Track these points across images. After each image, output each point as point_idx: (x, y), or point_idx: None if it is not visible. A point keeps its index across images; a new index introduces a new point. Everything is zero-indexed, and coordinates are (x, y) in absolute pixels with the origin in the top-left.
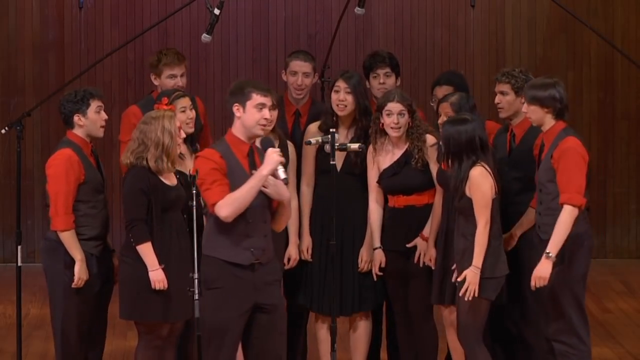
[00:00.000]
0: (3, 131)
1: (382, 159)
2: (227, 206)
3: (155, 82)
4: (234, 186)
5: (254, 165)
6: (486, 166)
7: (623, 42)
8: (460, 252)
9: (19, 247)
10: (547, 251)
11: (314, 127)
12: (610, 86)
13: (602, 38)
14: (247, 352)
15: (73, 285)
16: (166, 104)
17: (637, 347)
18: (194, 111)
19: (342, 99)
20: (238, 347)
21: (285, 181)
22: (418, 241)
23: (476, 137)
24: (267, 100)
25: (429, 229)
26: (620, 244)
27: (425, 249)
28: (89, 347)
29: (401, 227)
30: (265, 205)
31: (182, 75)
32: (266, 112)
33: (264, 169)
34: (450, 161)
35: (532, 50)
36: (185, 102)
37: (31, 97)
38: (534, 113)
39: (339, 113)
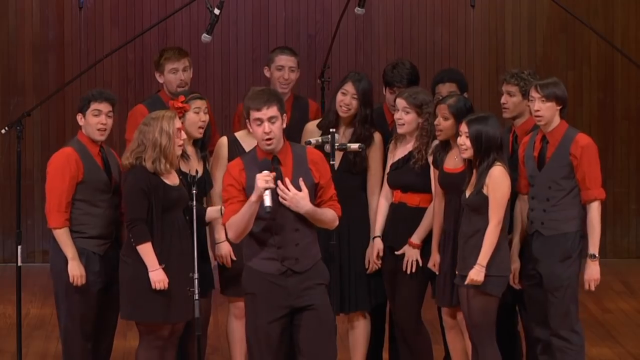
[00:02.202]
0: (3, 131)
1: (397, 153)
2: (229, 230)
3: (160, 80)
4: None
5: (280, 174)
6: (505, 166)
7: (623, 42)
8: (470, 249)
9: (19, 247)
10: (592, 253)
11: (312, 125)
12: (610, 86)
13: (602, 38)
14: (299, 355)
15: (71, 283)
16: (182, 102)
17: (637, 347)
18: (207, 115)
19: (347, 102)
20: (282, 353)
21: (267, 209)
22: (406, 248)
23: (501, 134)
24: (262, 114)
25: (418, 236)
26: (620, 244)
27: (413, 257)
28: (95, 346)
29: (393, 223)
30: (293, 215)
31: (184, 70)
32: (265, 126)
33: (253, 196)
34: (479, 158)
35: (532, 50)
36: (200, 103)
37: (31, 97)
38: (549, 110)
39: (342, 115)
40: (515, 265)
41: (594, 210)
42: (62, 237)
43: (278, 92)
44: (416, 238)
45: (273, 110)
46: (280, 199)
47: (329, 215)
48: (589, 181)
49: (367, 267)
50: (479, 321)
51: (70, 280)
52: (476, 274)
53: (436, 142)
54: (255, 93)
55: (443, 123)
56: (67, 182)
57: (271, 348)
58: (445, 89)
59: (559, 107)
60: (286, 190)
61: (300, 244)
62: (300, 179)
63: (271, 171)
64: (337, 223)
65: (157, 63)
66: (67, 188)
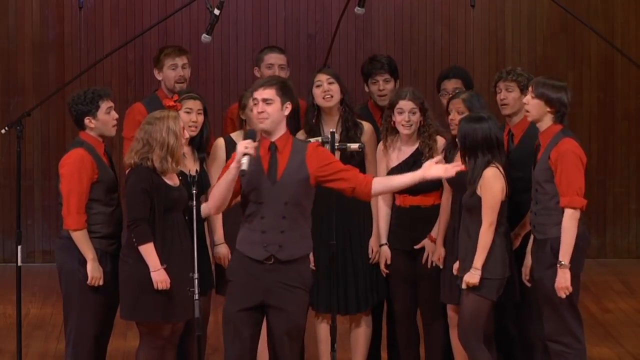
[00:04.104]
0: (3, 131)
1: (391, 156)
2: (210, 200)
3: (159, 77)
4: (249, 180)
5: (275, 160)
6: (500, 167)
7: (623, 42)
8: (463, 248)
9: (19, 247)
10: (560, 260)
11: (300, 135)
12: (610, 86)
13: (602, 38)
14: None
15: (89, 284)
16: (174, 101)
17: (637, 347)
18: (202, 116)
19: (326, 89)
20: (251, 343)
21: (242, 173)
22: (426, 242)
23: (492, 135)
24: (258, 95)
25: (437, 230)
26: (620, 244)
27: (433, 250)
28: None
29: (407, 226)
30: (285, 202)
31: (184, 67)
32: (259, 106)
33: (233, 162)
34: (466, 158)
35: (532, 49)
36: (193, 104)
37: (31, 97)
38: (535, 107)
39: (326, 104)
40: (527, 261)
41: (566, 218)
42: (82, 238)
43: (285, 81)
44: (436, 232)
45: (269, 93)
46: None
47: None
48: (561, 188)
49: (371, 258)
50: (467, 322)
51: (89, 281)
52: (471, 277)
53: (440, 138)
54: (264, 78)
55: (457, 117)
56: (85, 184)
57: (240, 338)
58: (451, 84)
59: (549, 109)
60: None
61: (286, 232)
62: (244, 159)
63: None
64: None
65: (157, 59)
66: (85, 189)
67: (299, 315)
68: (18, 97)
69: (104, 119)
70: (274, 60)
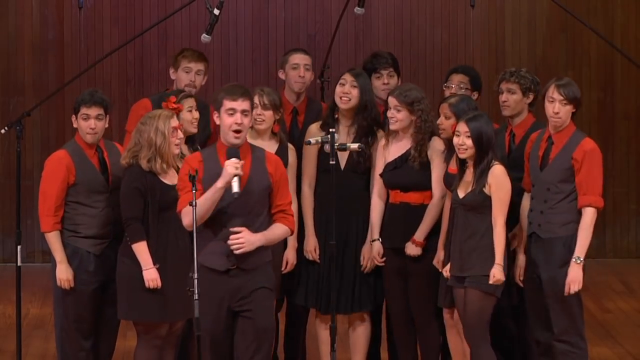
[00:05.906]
0: (3, 131)
1: (390, 152)
2: (185, 216)
3: (173, 76)
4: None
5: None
6: (503, 164)
7: (623, 42)
8: (469, 250)
9: (19, 247)
10: (577, 256)
11: (315, 127)
12: (610, 86)
13: (602, 38)
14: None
15: (58, 285)
16: (174, 102)
17: (637, 347)
18: (197, 112)
19: (346, 91)
20: (225, 353)
21: (236, 195)
22: (408, 244)
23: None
24: (237, 105)
25: (421, 233)
26: (620, 244)
27: (414, 254)
28: (96, 345)
29: (396, 224)
30: (248, 212)
31: (197, 73)
32: (237, 117)
33: (219, 182)
34: (479, 157)
35: (531, 50)
36: (192, 102)
37: (31, 97)
38: (568, 113)
39: (342, 106)
40: (521, 261)
41: (587, 216)
42: (52, 240)
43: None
44: (420, 236)
45: (247, 104)
46: (235, 249)
47: (279, 232)
48: (586, 186)
49: (363, 265)
50: (474, 321)
51: (57, 283)
52: (500, 273)
53: (438, 140)
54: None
55: (445, 122)
56: (57, 187)
57: (217, 347)
58: (456, 78)
59: (574, 110)
60: (238, 237)
61: None
62: (234, 181)
63: (239, 159)
64: (290, 234)
65: (175, 58)
66: (57, 192)
67: (268, 314)
68: (18, 97)
69: (80, 123)
70: (299, 60)
